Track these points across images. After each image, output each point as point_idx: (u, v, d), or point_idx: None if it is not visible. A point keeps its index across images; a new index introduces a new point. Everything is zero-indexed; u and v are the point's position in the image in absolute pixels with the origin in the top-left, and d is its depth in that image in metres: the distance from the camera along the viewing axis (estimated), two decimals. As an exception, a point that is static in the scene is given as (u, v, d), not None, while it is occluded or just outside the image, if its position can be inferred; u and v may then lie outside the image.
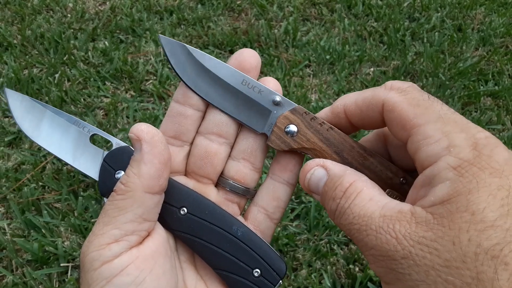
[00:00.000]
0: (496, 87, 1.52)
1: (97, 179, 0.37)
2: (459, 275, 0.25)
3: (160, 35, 0.41)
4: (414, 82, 1.54)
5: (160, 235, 0.35)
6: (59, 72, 1.47)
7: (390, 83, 0.34)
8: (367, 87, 1.50)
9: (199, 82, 0.37)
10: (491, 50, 1.69)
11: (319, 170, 0.34)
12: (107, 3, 1.84)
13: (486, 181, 0.26)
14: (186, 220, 0.36)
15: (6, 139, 1.25)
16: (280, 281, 0.37)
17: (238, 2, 1.88)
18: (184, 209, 0.36)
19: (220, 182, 0.39)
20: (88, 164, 0.38)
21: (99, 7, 1.83)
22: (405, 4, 1.90)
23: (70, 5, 1.81)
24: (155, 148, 0.33)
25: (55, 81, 1.44)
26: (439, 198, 0.27)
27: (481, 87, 1.52)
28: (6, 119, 1.32)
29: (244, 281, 0.36)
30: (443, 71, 1.56)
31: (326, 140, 0.37)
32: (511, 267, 0.24)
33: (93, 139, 0.39)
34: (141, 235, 0.34)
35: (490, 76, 1.56)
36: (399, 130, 0.32)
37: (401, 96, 0.32)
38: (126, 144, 0.38)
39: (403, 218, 0.28)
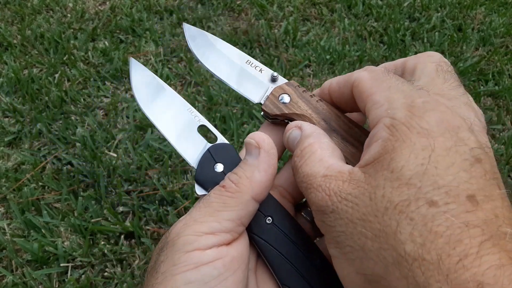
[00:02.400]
0: (496, 87, 1.52)
1: (192, 164, 0.40)
2: (370, 228, 0.27)
3: (184, 23, 0.48)
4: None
5: (246, 242, 0.36)
6: (59, 72, 1.47)
7: (368, 66, 0.36)
8: (367, 87, 1.50)
9: (210, 59, 0.45)
10: (491, 50, 1.69)
11: (295, 130, 0.37)
12: (107, 3, 1.84)
13: (412, 140, 0.27)
14: (270, 229, 0.37)
15: (6, 139, 1.25)
16: None
17: (238, 2, 1.88)
18: (270, 218, 0.37)
19: (304, 211, 0.42)
20: (189, 149, 0.40)
21: (99, 7, 1.83)
22: (405, 4, 1.90)
23: (70, 5, 1.81)
24: (271, 160, 0.36)
25: (55, 81, 1.44)
26: (371, 156, 0.29)
27: (481, 87, 1.52)
28: (6, 119, 1.31)
29: None
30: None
31: (315, 109, 0.40)
32: (414, 222, 0.25)
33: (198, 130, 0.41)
34: (233, 236, 0.35)
35: (490, 76, 1.56)
36: (360, 103, 0.34)
37: (368, 74, 0.34)
38: (229, 143, 0.40)
39: (340, 177, 0.30)
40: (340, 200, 0.29)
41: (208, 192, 0.36)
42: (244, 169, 0.36)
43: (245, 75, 0.44)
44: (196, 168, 0.39)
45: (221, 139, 0.41)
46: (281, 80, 0.43)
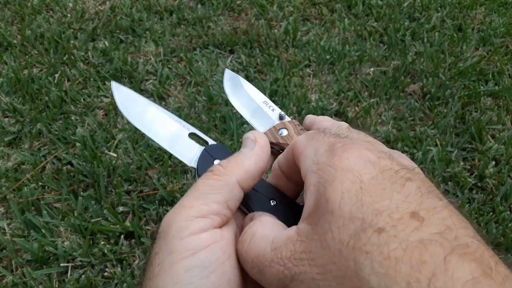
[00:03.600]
0: (496, 87, 1.52)
1: (190, 164, 0.42)
2: (332, 277, 0.25)
3: (226, 69, 0.58)
4: (414, 82, 1.55)
5: (235, 228, 0.37)
6: (59, 72, 1.47)
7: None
8: (367, 87, 1.50)
9: (237, 97, 0.55)
10: (491, 50, 1.69)
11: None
12: (107, 3, 1.84)
13: (339, 178, 0.27)
14: (276, 210, 0.38)
15: (6, 139, 1.25)
16: None
17: (238, 2, 1.88)
18: (274, 201, 0.38)
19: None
20: (185, 152, 0.43)
21: (99, 7, 1.83)
22: (405, 4, 1.90)
23: (70, 5, 1.81)
24: (263, 155, 0.37)
25: (55, 81, 1.44)
26: (309, 206, 0.28)
27: (481, 87, 1.52)
28: (6, 119, 1.31)
29: None
30: (443, 71, 1.56)
31: None
32: (371, 255, 0.23)
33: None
34: (223, 220, 0.35)
35: (490, 76, 1.56)
36: (297, 163, 0.34)
37: (303, 136, 0.35)
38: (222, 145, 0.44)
39: (289, 242, 0.28)
40: (296, 264, 0.27)
41: None
42: (236, 156, 0.37)
43: (259, 112, 0.52)
44: (196, 165, 0.41)
45: (213, 143, 0.43)
46: (287, 119, 0.50)
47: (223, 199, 0.35)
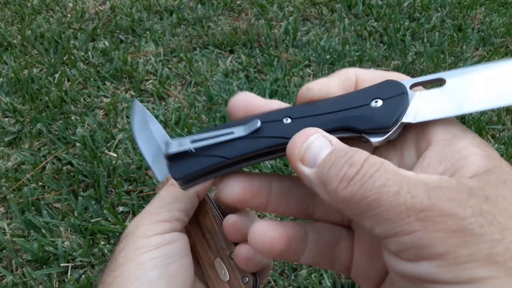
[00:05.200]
0: (496, 87, 1.52)
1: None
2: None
3: (135, 99, 0.53)
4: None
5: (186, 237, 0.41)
6: (59, 72, 1.47)
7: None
8: (367, 87, 1.50)
9: (143, 136, 0.51)
10: (491, 50, 1.69)
11: (321, 139, 0.27)
12: (107, 3, 1.84)
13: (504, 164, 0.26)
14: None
15: (6, 139, 1.25)
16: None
17: (238, 2, 1.88)
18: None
19: None
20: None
21: (99, 7, 1.83)
22: (405, 4, 1.90)
23: (70, 5, 1.81)
24: None
25: (55, 81, 1.44)
26: (478, 166, 0.25)
27: (481, 87, 1.52)
28: (6, 119, 1.31)
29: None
30: (443, 71, 1.55)
31: None
32: None
33: None
34: (182, 225, 0.41)
35: (490, 76, 1.56)
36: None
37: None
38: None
39: (450, 185, 0.24)
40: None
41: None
42: None
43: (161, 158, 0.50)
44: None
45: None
46: None
47: (185, 207, 0.40)
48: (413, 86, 0.30)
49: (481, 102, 0.29)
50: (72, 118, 1.33)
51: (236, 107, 0.33)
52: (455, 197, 0.23)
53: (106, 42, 1.61)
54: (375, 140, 0.29)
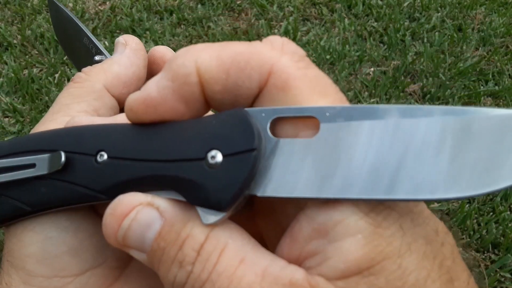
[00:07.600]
0: (496, 87, 1.52)
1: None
2: None
3: None
4: (414, 82, 1.55)
5: None
6: (59, 72, 1.47)
7: (279, 40, 0.24)
8: (367, 87, 1.50)
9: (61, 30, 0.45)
10: (491, 50, 1.69)
11: (145, 212, 0.20)
12: (107, 3, 1.84)
13: (415, 233, 0.18)
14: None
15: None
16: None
17: (238, 2, 1.88)
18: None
19: None
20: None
21: (99, 7, 1.83)
22: (405, 4, 1.90)
23: (70, 5, 1.81)
24: (136, 58, 0.31)
25: (55, 81, 1.44)
26: (352, 263, 0.17)
27: (481, 87, 1.52)
28: (6, 119, 1.32)
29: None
30: (443, 71, 1.56)
31: None
32: None
33: None
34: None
35: (490, 76, 1.56)
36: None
37: (300, 70, 0.21)
38: None
39: None
40: None
41: None
42: (102, 63, 0.31)
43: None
44: None
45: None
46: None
47: (91, 107, 0.28)
48: (277, 121, 0.20)
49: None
50: (72, 118, 1.33)
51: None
52: None
53: (106, 42, 1.61)
54: (208, 220, 0.19)
